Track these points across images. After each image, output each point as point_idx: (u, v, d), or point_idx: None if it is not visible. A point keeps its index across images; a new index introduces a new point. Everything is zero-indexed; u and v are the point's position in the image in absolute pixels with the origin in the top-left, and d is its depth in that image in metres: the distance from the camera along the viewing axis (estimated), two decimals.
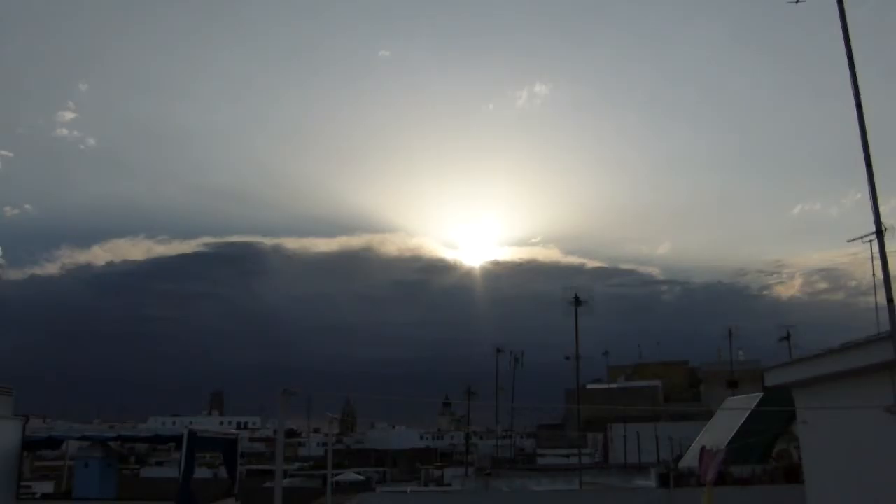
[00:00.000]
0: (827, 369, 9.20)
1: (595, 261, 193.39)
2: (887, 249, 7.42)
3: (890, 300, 7.19)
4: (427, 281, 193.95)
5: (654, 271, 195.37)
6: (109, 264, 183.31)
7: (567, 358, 33.61)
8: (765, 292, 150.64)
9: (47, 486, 24.62)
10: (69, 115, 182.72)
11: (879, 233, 7.33)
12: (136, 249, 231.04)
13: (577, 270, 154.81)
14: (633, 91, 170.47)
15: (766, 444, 19.38)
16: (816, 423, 10.38)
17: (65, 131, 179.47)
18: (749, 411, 20.75)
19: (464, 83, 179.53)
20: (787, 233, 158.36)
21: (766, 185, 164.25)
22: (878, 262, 7.46)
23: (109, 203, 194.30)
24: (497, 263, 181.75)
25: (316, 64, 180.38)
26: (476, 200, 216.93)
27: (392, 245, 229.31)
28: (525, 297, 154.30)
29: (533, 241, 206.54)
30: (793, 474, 15.56)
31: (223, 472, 19.55)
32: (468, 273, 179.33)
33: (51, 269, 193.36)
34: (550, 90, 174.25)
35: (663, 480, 16.89)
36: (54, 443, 15.15)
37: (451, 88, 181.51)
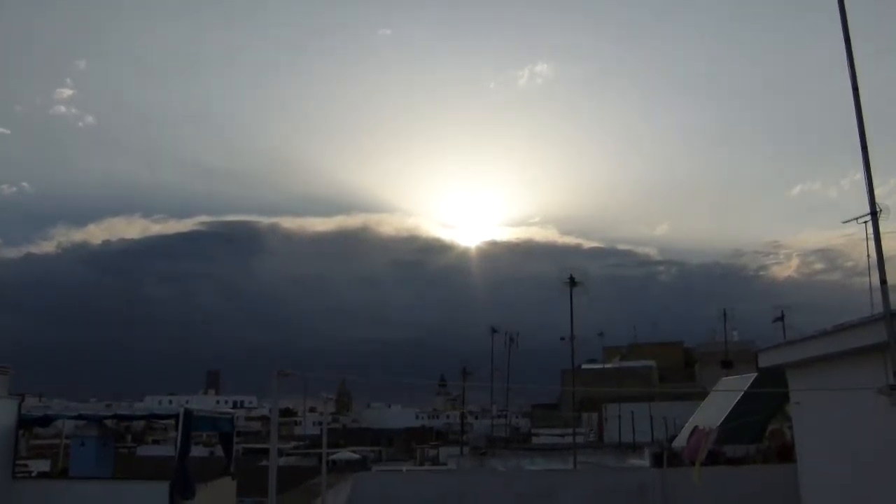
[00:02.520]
0: (820, 351, 9.24)
1: (592, 241, 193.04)
2: (883, 230, 7.42)
3: (883, 281, 7.21)
4: (424, 261, 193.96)
5: (652, 252, 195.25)
6: (106, 243, 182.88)
7: (562, 339, 33.70)
8: (761, 273, 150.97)
9: (43, 465, 24.74)
10: (67, 93, 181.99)
11: (874, 214, 7.33)
12: (131, 228, 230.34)
13: (574, 251, 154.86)
14: (634, 71, 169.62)
15: (760, 424, 19.50)
16: (809, 403, 10.44)
17: (63, 109, 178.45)
18: (743, 392, 20.84)
19: (465, 62, 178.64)
20: (786, 213, 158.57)
21: (767, 165, 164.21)
22: (873, 244, 7.46)
23: (106, 181, 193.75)
24: (494, 244, 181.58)
25: (316, 42, 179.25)
26: (475, 180, 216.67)
27: (389, 225, 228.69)
28: (522, 277, 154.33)
29: (531, 221, 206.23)
30: (786, 454, 15.66)
31: (219, 450, 19.64)
32: (465, 253, 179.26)
33: (47, 247, 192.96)
34: (552, 70, 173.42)
35: (657, 460, 17.01)
36: (49, 421, 15.19)
37: (452, 67, 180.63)
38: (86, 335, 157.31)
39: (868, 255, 7.55)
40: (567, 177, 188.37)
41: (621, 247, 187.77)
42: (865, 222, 7.49)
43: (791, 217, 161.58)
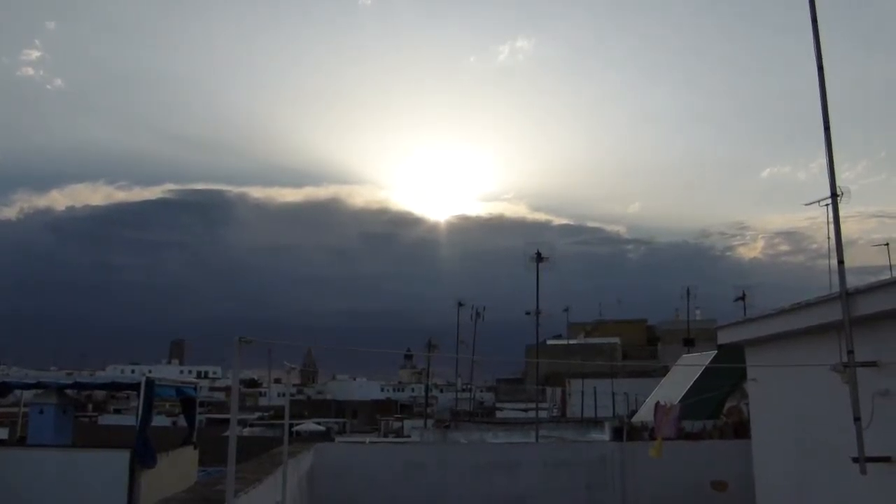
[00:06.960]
0: (778, 328, 9.42)
1: (563, 218, 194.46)
2: (843, 213, 7.53)
3: (840, 262, 7.35)
4: (395, 234, 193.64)
5: (621, 230, 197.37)
6: (70, 209, 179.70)
7: (527, 313, 33.91)
8: (728, 253, 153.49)
9: (2, 433, 24.40)
10: (35, 55, 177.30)
11: (834, 196, 7.44)
12: (95, 195, 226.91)
13: (544, 227, 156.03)
14: (611, 50, 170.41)
15: (718, 401, 19.89)
16: (765, 380, 10.66)
17: (30, 71, 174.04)
18: (702, 368, 21.23)
19: (446, 35, 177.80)
20: (755, 195, 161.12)
21: (738, 147, 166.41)
22: (833, 226, 7.57)
23: (70, 147, 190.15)
24: (465, 218, 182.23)
25: (293, 10, 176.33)
26: (449, 154, 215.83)
27: (360, 197, 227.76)
28: (491, 252, 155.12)
29: (503, 196, 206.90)
30: (742, 430, 16.00)
31: (182, 420, 19.52)
32: (436, 227, 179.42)
33: (8, 213, 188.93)
34: (533, 45, 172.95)
35: (617, 434, 17.27)
36: (7, 390, 14.94)
37: (432, 40, 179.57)
38: (48, 302, 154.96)
39: (829, 238, 7.66)
40: (541, 154, 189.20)
41: (591, 224, 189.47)
42: (826, 205, 7.59)
43: (759, 199, 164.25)
